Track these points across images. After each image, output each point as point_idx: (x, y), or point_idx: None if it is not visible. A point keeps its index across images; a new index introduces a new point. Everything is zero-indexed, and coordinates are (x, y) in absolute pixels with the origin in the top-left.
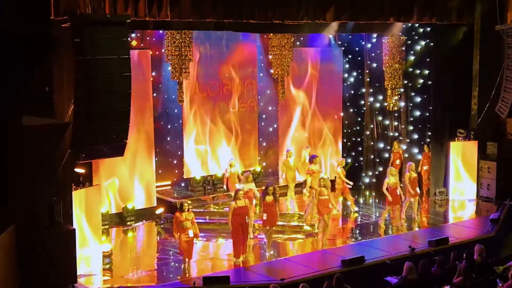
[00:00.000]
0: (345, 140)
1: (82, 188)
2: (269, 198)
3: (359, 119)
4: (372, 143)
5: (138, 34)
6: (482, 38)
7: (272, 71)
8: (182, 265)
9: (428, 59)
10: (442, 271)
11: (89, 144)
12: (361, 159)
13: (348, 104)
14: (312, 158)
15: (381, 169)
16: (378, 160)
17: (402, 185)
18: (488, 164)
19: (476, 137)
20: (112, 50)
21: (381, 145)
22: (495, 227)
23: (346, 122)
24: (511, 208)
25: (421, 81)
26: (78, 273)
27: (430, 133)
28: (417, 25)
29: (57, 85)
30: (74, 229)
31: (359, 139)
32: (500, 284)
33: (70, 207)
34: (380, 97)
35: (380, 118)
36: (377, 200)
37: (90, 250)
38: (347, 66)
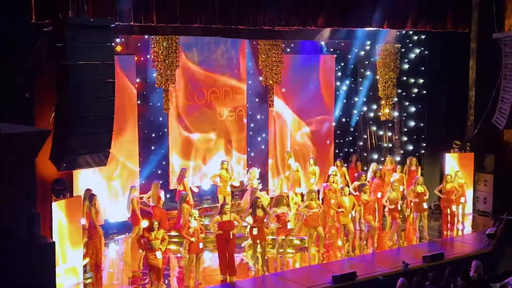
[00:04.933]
0: (337, 151)
1: (62, 199)
2: (260, 212)
3: (352, 129)
4: (366, 154)
5: (123, 39)
6: (478, 46)
7: (261, 78)
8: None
9: (423, 68)
10: (436, 287)
11: (70, 153)
12: None
13: (341, 113)
14: (362, 187)
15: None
16: None
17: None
18: (484, 176)
19: (472, 149)
20: (95, 55)
21: (375, 156)
22: (492, 242)
23: (339, 132)
24: (508, 223)
25: (415, 90)
26: None
27: (424, 144)
28: (411, 32)
29: (38, 91)
30: (54, 242)
31: (351, 150)
32: None
33: (49, 219)
34: (374, 106)
35: (374, 128)
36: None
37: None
38: (339, 74)
